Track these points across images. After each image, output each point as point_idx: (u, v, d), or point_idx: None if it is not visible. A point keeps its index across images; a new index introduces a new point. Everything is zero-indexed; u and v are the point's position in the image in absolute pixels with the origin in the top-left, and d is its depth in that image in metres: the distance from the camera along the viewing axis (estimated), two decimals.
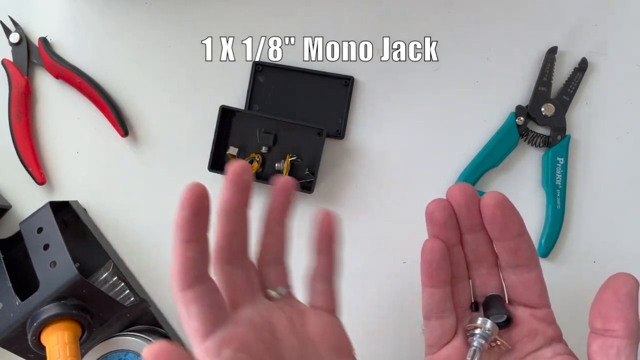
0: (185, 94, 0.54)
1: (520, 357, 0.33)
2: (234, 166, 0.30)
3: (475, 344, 0.32)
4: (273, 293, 0.33)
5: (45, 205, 0.47)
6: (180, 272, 0.29)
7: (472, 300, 0.34)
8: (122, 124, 0.52)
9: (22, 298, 0.42)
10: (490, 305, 0.33)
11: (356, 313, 0.47)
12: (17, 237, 0.50)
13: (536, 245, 0.50)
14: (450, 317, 0.33)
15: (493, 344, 0.32)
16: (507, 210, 0.31)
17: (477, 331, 0.32)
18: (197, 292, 0.29)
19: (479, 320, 0.32)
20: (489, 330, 0.32)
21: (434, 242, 0.32)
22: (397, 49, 0.52)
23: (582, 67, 0.50)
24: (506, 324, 0.33)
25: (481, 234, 0.33)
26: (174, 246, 0.28)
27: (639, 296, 0.28)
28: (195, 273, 0.29)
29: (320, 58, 0.53)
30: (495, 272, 0.34)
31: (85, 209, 0.53)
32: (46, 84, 0.54)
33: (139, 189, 0.53)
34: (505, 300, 0.34)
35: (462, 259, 0.34)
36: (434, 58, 0.52)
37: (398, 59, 0.52)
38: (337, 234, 0.34)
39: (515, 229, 0.31)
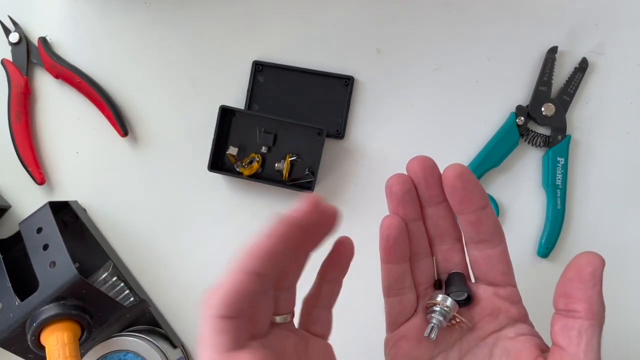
0: (185, 94, 0.54)
1: (482, 336, 0.32)
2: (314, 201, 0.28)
3: (433, 321, 0.32)
4: (278, 319, 0.31)
5: (44, 206, 0.47)
6: (230, 300, 0.27)
7: (435, 278, 0.34)
8: (121, 124, 0.52)
9: (22, 298, 0.42)
10: (451, 282, 0.33)
11: (357, 313, 0.47)
12: (17, 237, 0.50)
13: (536, 245, 0.50)
14: (408, 294, 0.33)
15: (453, 322, 0.32)
16: (468, 182, 0.30)
17: (436, 308, 0.32)
18: (235, 324, 0.27)
19: (439, 297, 0.32)
20: (447, 307, 0.31)
21: (391, 218, 0.32)
22: (397, 48, 0.52)
23: (583, 67, 0.50)
24: (466, 301, 0.32)
25: (442, 207, 0.32)
26: (235, 271, 0.27)
27: (603, 277, 0.27)
28: (244, 306, 0.27)
29: (320, 58, 0.53)
30: (458, 247, 0.33)
31: (84, 209, 0.53)
32: (46, 84, 0.54)
33: (138, 189, 0.53)
34: (470, 278, 0.34)
35: (423, 235, 0.33)
36: (434, 58, 0.52)
37: (398, 58, 0.52)
38: (349, 264, 0.33)
39: (476, 201, 0.30)
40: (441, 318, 0.32)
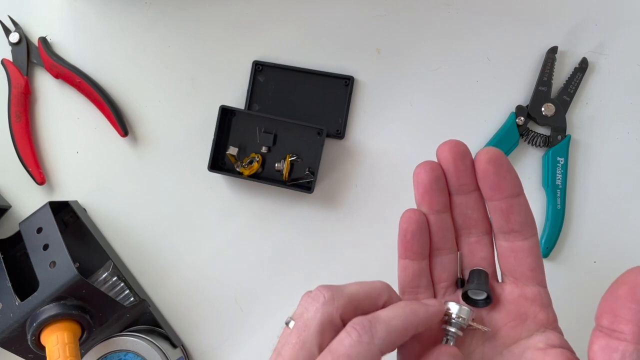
0: (185, 94, 0.54)
1: (507, 343, 0.30)
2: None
3: (449, 334, 0.30)
4: None
5: (44, 205, 0.47)
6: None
7: (458, 276, 0.32)
8: (121, 123, 0.52)
9: (22, 298, 0.42)
10: (472, 280, 0.31)
11: None
12: (17, 237, 0.50)
13: None
14: (424, 293, 0.31)
15: (470, 327, 0.30)
16: (501, 167, 0.28)
17: (452, 319, 0.30)
18: None
19: (453, 308, 0.30)
20: (462, 318, 0.29)
21: (411, 212, 0.31)
22: (398, 48, 0.52)
23: (583, 67, 0.50)
24: (485, 302, 0.30)
25: (472, 197, 0.30)
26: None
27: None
28: None
29: (320, 58, 0.53)
30: (486, 240, 0.31)
31: (84, 209, 0.53)
32: (46, 84, 0.54)
33: (138, 188, 0.53)
34: (497, 276, 0.32)
35: (449, 228, 0.31)
36: (434, 58, 0.52)
37: (398, 58, 0.52)
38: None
39: (509, 188, 0.28)
40: (456, 329, 0.30)
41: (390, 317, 0.27)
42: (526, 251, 0.30)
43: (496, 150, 0.28)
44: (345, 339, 0.25)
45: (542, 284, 0.30)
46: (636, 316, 0.24)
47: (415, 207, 0.31)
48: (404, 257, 0.31)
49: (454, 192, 0.30)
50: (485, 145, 0.51)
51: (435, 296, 0.32)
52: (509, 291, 0.30)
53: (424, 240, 0.31)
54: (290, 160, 0.50)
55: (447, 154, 0.29)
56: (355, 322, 0.26)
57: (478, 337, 0.31)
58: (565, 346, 0.29)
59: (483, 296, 0.31)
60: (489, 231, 0.31)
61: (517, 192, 0.29)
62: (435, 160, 0.30)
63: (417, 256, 0.31)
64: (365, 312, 0.27)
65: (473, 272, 0.31)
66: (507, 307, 0.30)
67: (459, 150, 0.29)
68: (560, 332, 0.30)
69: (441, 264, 0.32)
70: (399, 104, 0.52)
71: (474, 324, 0.30)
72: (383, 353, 0.26)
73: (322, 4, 0.53)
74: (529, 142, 0.51)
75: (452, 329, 0.30)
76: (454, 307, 0.30)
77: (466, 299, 0.31)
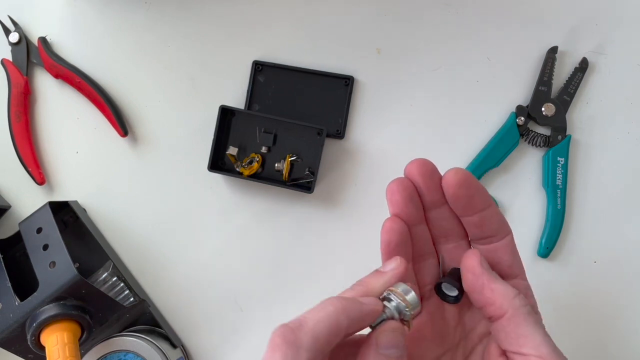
0: (185, 94, 0.54)
1: (485, 332, 0.31)
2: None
3: (385, 313, 0.28)
4: None
5: (44, 206, 0.47)
6: (322, 343, 0.26)
7: (440, 277, 0.33)
8: (121, 124, 0.52)
9: (22, 298, 0.42)
10: (449, 275, 0.32)
11: None
12: (17, 237, 0.50)
13: (536, 245, 0.50)
14: None
15: (405, 322, 0.28)
16: (470, 188, 0.29)
17: (393, 297, 0.28)
18: None
19: (401, 288, 0.28)
20: (405, 304, 0.28)
21: (392, 222, 0.31)
22: (397, 48, 0.52)
23: (583, 67, 0.50)
24: (455, 299, 0.31)
25: (444, 209, 0.31)
26: (333, 317, 0.26)
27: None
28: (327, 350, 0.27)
29: (320, 58, 0.52)
30: (463, 244, 0.32)
31: (84, 209, 0.53)
32: (46, 84, 0.54)
33: (138, 189, 0.53)
34: None
35: (426, 237, 0.32)
36: (434, 58, 0.52)
37: (398, 58, 0.52)
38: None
39: (479, 204, 0.29)
40: (394, 312, 0.28)
41: (317, 320, 0.25)
42: (502, 249, 0.31)
43: (462, 171, 0.29)
44: None
45: (520, 276, 0.32)
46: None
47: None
48: None
49: (426, 208, 0.32)
50: (486, 145, 0.51)
51: (422, 298, 0.32)
52: None
53: (407, 248, 0.31)
54: (290, 160, 0.50)
55: (416, 174, 0.30)
56: (277, 335, 0.25)
57: (460, 330, 0.32)
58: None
59: (454, 293, 0.31)
60: (465, 236, 0.33)
61: (487, 204, 0.30)
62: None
63: None
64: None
65: (453, 270, 0.32)
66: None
67: (427, 169, 0.30)
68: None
69: (424, 267, 0.33)
70: (399, 104, 0.52)
71: (408, 321, 0.28)
72: None
73: (322, 4, 0.53)
74: (529, 142, 0.51)
75: (393, 312, 0.28)
76: (402, 288, 0.28)
77: (439, 292, 0.32)
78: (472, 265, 0.29)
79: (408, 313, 0.28)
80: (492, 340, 0.30)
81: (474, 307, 0.32)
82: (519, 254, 0.32)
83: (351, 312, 0.26)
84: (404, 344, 0.27)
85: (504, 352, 0.29)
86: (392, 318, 0.28)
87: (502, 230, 0.31)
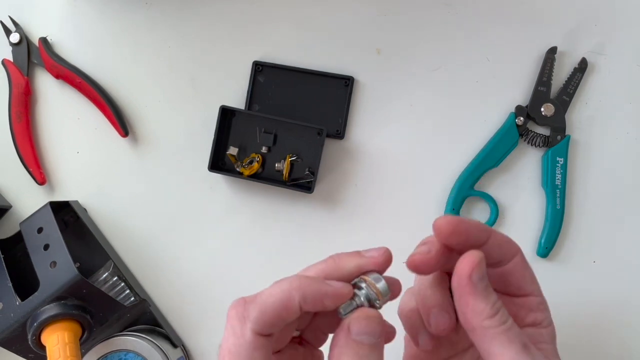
0: (186, 94, 0.54)
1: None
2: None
3: (355, 300, 0.27)
4: (294, 332, 0.32)
5: (45, 205, 0.47)
6: (273, 319, 0.27)
7: None
8: (122, 124, 0.52)
9: (23, 298, 0.42)
10: None
11: None
12: (18, 237, 0.50)
13: (536, 245, 0.50)
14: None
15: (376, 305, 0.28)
16: (462, 235, 0.28)
17: (363, 285, 0.28)
18: (269, 341, 0.27)
19: (372, 276, 0.28)
20: (375, 292, 0.27)
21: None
22: (398, 48, 0.52)
23: (582, 67, 0.50)
24: None
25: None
26: (285, 291, 0.27)
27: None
28: (281, 326, 0.28)
29: (320, 58, 0.53)
30: None
31: (85, 209, 0.53)
32: (46, 84, 0.54)
33: (139, 189, 0.53)
34: None
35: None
36: (434, 58, 0.52)
37: (398, 58, 0.52)
38: None
39: (477, 242, 0.28)
40: (364, 300, 0.27)
41: (268, 295, 0.27)
42: (510, 272, 0.30)
43: (451, 220, 0.28)
44: (225, 333, 0.26)
45: (533, 294, 0.30)
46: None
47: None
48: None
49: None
50: (485, 145, 0.51)
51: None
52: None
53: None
54: (290, 160, 0.50)
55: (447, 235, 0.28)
56: (231, 307, 0.27)
57: (464, 339, 0.31)
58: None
59: None
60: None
61: (486, 238, 0.28)
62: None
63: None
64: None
65: None
66: None
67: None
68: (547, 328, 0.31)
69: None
70: (399, 104, 0.52)
71: (377, 303, 0.28)
72: (260, 333, 0.26)
73: (322, 4, 0.53)
74: (528, 142, 0.51)
75: (362, 300, 0.27)
76: (373, 277, 0.28)
77: None
78: (460, 274, 0.28)
79: (378, 302, 0.27)
80: None
81: (502, 298, 0.30)
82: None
83: (307, 291, 0.27)
84: (381, 330, 0.27)
85: None
86: (362, 305, 0.27)
87: (509, 253, 0.30)
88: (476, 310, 0.27)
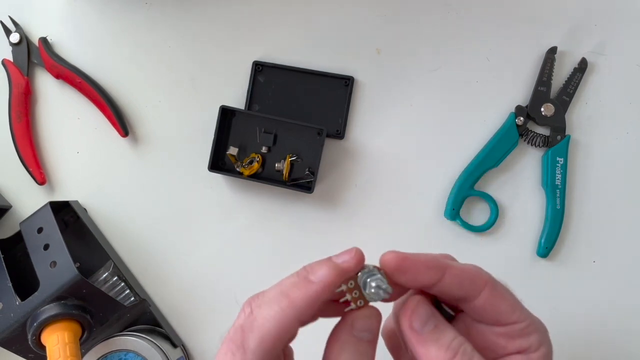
0: (185, 94, 0.54)
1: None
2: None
3: (372, 285, 0.27)
4: None
5: (45, 205, 0.47)
6: (271, 344, 0.26)
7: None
8: (122, 124, 0.52)
9: (22, 298, 0.42)
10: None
11: None
12: (18, 237, 0.50)
13: (536, 245, 0.50)
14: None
15: (357, 303, 0.27)
16: (408, 273, 0.27)
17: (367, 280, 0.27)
18: None
19: (362, 279, 0.27)
20: (361, 297, 0.27)
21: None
22: (398, 48, 0.52)
23: (582, 67, 0.50)
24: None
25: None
26: (281, 314, 0.26)
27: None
28: (281, 348, 0.27)
29: (320, 58, 0.53)
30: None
31: (85, 209, 0.53)
32: (46, 84, 0.54)
33: (139, 188, 0.53)
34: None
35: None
36: (434, 58, 0.52)
37: (398, 58, 0.52)
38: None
39: (428, 280, 0.27)
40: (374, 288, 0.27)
41: (263, 320, 0.26)
42: (481, 308, 0.28)
43: (394, 256, 0.27)
44: None
45: (517, 322, 0.28)
46: None
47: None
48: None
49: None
50: (485, 145, 0.51)
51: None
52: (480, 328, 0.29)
53: None
54: (290, 160, 0.50)
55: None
56: (228, 338, 0.26)
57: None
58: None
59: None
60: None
61: (439, 274, 0.27)
62: None
63: None
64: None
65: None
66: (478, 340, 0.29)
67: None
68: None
69: None
70: (399, 104, 0.52)
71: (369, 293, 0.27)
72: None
73: (322, 4, 0.53)
74: (528, 142, 0.51)
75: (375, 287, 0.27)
76: (362, 281, 0.27)
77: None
78: (402, 325, 0.27)
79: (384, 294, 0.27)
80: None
81: (479, 326, 0.29)
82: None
83: (300, 303, 0.26)
84: (378, 328, 0.27)
85: None
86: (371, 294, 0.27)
87: (474, 288, 0.27)
88: (430, 358, 0.26)
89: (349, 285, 0.28)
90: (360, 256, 0.28)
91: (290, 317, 0.26)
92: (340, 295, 0.27)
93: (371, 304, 0.28)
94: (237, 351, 0.25)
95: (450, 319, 0.30)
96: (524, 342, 0.28)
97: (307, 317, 0.26)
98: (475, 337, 0.29)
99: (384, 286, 0.27)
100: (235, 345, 0.25)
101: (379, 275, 0.27)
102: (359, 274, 0.28)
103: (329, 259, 0.28)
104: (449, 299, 0.29)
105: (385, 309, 0.29)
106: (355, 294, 0.28)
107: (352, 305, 0.27)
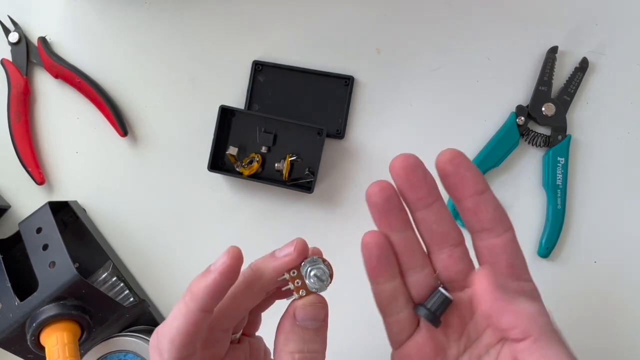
0: (185, 94, 0.53)
1: (492, 343, 0.29)
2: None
3: (311, 275, 0.28)
4: (232, 337, 0.32)
5: (44, 205, 0.47)
6: (182, 343, 0.28)
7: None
8: (121, 123, 0.52)
9: (22, 298, 0.42)
10: (428, 302, 0.29)
11: (355, 312, 0.47)
12: (17, 237, 0.50)
13: (536, 245, 0.50)
14: (404, 311, 0.30)
15: (299, 292, 0.28)
16: (461, 166, 0.27)
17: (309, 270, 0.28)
18: None
19: (305, 270, 0.28)
20: (304, 287, 0.28)
21: (370, 236, 0.29)
22: (398, 48, 0.52)
23: (583, 66, 0.50)
24: (434, 325, 0.29)
25: (434, 209, 0.29)
26: (185, 311, 0.27)
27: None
28: (196, 344, 0.29)
29: (320, 58, 0.52)
30: (458, 253, 0.30)
31: (84, 209, 0.53)
32: (45, 84, 0.54)
33: (138, 188, 0.53)
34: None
35: (414, 245, 0.30)
36: (434, 58, 0.52)
37: (398, 58, 0.52)
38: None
39: (471, 186, 0.28)
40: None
41: (172, 318, 0.27)
42: (500, 247, 0.29)
43: (454, 150, 0.28)
44: None
45: (522, 278, 0.29)
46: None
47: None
48: (375, 282, 0.30)
49: (413, 209, 0.29)
50: (486, 145, 0.51)
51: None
52: None
53: (391, 262, 0.29)
54: (290, 160, 0.50)
55: (399, 169, 0.28)
56: (151, 346, 0.28)
57: (465, 341, 0.30)
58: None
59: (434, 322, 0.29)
60: (460, 242, 0.30)
61: (481, 189, 0.28)
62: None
63: (387, 278, 0.30)
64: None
65: (436, 294, 0.30)
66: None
67: (409, 162, 0.28)
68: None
69: (417, 282, 0.30)
70: (399, 104, 0.52)
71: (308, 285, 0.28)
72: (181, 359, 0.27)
73: (322, 4, 0.53)
74: (529, 142, 0.51)
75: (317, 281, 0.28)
76: (305, 271, 0.28)
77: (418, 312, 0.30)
78: (484, 290, 0.26)
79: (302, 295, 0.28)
80: (504, 352, 0.28)
81: (477, 317, 0.30)
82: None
83: (208, 299, 0.27)
84: (325, 313, 0.28)
85: None
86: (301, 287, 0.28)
87: (500, 224, 0.28)
88: (527, 314, 0.26)
89: (291, 274, 0.28)
90: (301, 247, 0.29)
91: (193, 309, 0.27)
92: (285, 284, 0.28)
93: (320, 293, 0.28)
94: (158, 357, 0.27)
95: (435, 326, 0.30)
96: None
97: (212, 306, 0.27)
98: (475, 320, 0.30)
99: (324, 277, 0.28)
100: (156, 351, 0.27)
101: (321, 266, 0.28)
102: (302, 263, 0.28)
103: (272, 254, 0.30)
104: (477, 223, 0.29)
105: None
106: (298, 283, 0.28)
107: (295, 295, 0.28)
